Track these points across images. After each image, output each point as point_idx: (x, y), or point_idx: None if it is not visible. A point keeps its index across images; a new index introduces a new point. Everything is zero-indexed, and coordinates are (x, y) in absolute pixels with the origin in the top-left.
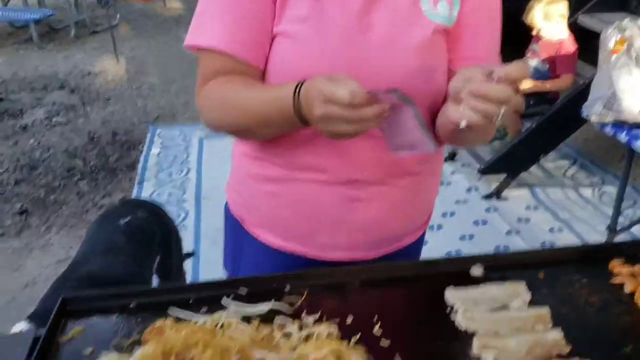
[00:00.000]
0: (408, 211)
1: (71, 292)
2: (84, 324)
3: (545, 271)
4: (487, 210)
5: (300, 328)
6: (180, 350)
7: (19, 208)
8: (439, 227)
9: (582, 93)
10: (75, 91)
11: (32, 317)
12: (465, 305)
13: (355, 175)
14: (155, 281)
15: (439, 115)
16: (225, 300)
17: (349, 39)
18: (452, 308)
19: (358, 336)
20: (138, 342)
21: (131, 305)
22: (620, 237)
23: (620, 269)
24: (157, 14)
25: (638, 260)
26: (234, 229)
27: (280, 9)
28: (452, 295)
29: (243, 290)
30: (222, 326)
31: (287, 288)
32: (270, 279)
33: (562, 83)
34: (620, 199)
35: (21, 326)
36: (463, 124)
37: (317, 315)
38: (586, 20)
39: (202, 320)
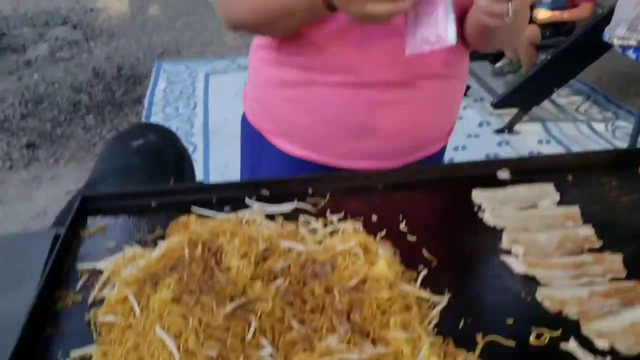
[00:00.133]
0: (433, 117)
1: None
2: (106, 221)
3: (573, 174)
4: (499, 144)
5: (325, 225)
6: (207, 239)
7: (26, 142)
8: (450, 160)
9: (600, 23)
10: (78, 27)
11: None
12: (493, 204)
13: (381, 77)
14: None
15: (468, 16)
16: (248, 200)
17: None
18: (479, 207)
19: (384, 232)
20: (162, 237)
21: (153, 204)
22: None
23: None
24: None
25: None
26: (252, 139)
27: None
28: (479, 195)
29: (265, 192)
30: (247, 222)
31: (310, 190)
32: (293, 181)
33: (581, 13)
34: (636, 132)
35: None
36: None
37: (341, 215)
38: None
39: (227, 217)
